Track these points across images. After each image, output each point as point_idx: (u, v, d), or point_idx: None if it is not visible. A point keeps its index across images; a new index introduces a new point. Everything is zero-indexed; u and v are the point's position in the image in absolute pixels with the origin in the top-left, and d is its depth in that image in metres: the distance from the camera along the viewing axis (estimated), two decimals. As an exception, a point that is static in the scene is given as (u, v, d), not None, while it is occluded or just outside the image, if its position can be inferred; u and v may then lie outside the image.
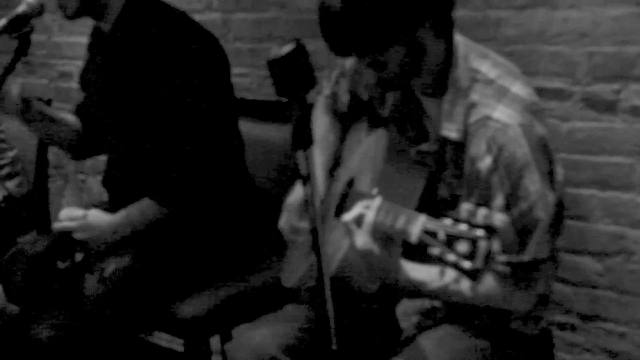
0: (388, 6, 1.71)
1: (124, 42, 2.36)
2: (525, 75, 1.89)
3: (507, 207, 1.76)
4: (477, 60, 1.85)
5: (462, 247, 1.54)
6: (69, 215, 2.30)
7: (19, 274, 2.30)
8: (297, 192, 2.12)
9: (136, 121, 2.34)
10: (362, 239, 1.77)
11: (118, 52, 2.38)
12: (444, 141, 1.87)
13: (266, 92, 3.21)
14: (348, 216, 1.81)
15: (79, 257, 2.31)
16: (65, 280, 2.29)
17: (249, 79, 3.24)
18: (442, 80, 1.85)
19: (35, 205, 3.18)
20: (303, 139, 1.56)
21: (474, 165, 1.80)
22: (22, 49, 2.29)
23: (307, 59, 1.56)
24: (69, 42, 4.06)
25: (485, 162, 1.78)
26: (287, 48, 1.55)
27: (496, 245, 1.54)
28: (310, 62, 1.57)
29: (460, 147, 1.84)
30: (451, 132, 1.84)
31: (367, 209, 1.78)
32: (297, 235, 2.12)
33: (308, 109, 1.59)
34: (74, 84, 4.08)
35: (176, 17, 2.36)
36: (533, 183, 1.76)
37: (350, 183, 2.05)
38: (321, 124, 2.23)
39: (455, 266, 1.55)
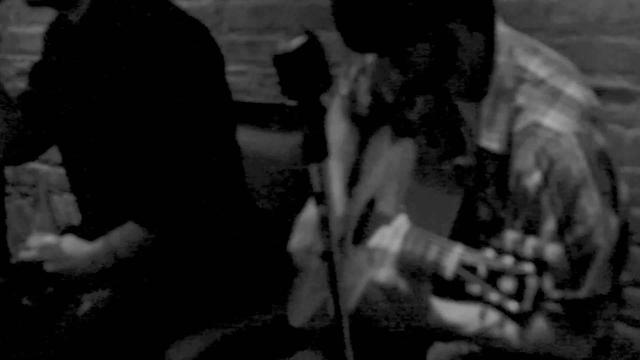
0: None
1: (96, 36, 2.38)
2: (581, 74, 1.91)
3: (560, 233, 1.77)
4: (524, 56, 1.86)
5: (507, 284, 1.55)
6: (38, 243, 2.32)
7: None
8: (310, 210, 2.14)
9: (112, 130, 2.36)
10: (385, 273, 1.78)
11: (88, 48, 2.40)
12: (483, 154, 1.88)
13: (268, 93, 3.24)
14: (370, 244, 1.82)
15: (49, 291, 2.33)
16: (32, 318, 2.30)
17: (247, 78, 3.27)
18: (480, 81, 1.86)
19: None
20: (316, 149, 1.57)
21: (520, 181, 1.81)
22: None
23: (321, 54, 1.57)
24: (28, 34, 4.09)
25: (534, 179, 1.79)
26: (297, 41, 1.56)
27: (548, 283, 1.55)
28: (324, 57, 1.58)
29: (503, 160, 1.85)
30: (492, 142, 1.85)
31: (392, 236, 1.79)
32: (311, 260, 2.13)
33: (322, 113, 1.60)
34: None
35: (158, 4, 2.39)
36: (591, 204, 1.77)
37: (371, 203, 2.07)
38: (337, 130, 2.25)
39: (499, 307, 1.56)
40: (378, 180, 2.09)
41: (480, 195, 1.92)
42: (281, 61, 1.57)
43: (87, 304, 2.29)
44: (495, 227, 1.89)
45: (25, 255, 2.32)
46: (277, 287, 2.44)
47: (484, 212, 1.92)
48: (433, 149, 2.00)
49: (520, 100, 1.83)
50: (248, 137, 2.62)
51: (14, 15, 4.14)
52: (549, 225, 1.78)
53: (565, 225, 1.77)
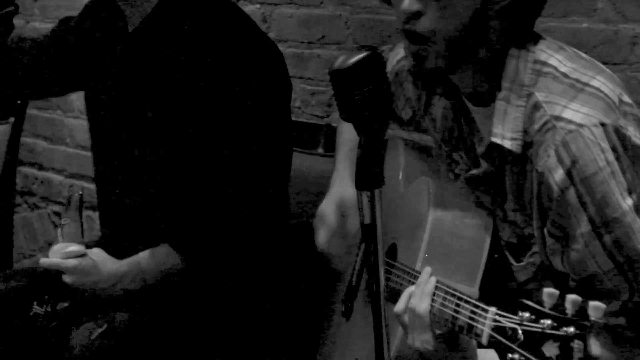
0: None
1: (153, 43, 2.41)
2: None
3: (598, 235, 1.77)
4: (546, 51, 1.87)
5: (550, 349, 1.53)
6: (63, 251, 2.33)
7: None
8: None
9: (156, 143, 2.39)
10: (421, 338, 1.79)
11: (142, 56, 2.43)
12: (495, 154, 1.88)
13: (312, 112, 3.26)
14: (398, 307, 1.83)
15: (63, 305, 2.34)
16: (41, 329, 2.31)
17: (292, 95, 3.29)
18: (494, 77, 1.87)
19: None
20: (369, 176, 1.60)
21: (543, 182, 1.81)
22: (2, 34, 2.36)
23: (383, 72, 1.61)
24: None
25: (557, 177, 1.78)
26: (358, 56, 1.59)
27: (595, 347, 1.54)
28: (386, 77, 1.61)
29: (520, 161, 1.85)
30: (505, 140, 1.85)
31: (420, 297, 1.80)
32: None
33: (379, 138, 1.63)
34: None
35: (227, 13, 2.41)
36: (624, 198, 1.76)
37: (393, 248, 2.09)
38: (348, 139, 2.27)
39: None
40: (394, 215, 2.09)
41: (499, 215, 1.94)
42: (337, 77, 1.60)
43: (102, 327, 2.30)
44: (522, 247, 1.91)
45: (46, 262, 2.33)
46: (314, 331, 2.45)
47: (507, 232, 1.94)
48: (452, 168, 2.03)
49: (539, 95, 1.83)
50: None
51: (39, 8, 4.19)
52: (583, 227, 1.78)
53: (601, 225, 1.77)
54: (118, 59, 2.46)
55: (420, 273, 1.87)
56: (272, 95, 2.38)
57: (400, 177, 2.20)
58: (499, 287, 1.81)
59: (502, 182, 1.91)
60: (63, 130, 4.23)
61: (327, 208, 2.18)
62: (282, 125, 2.43)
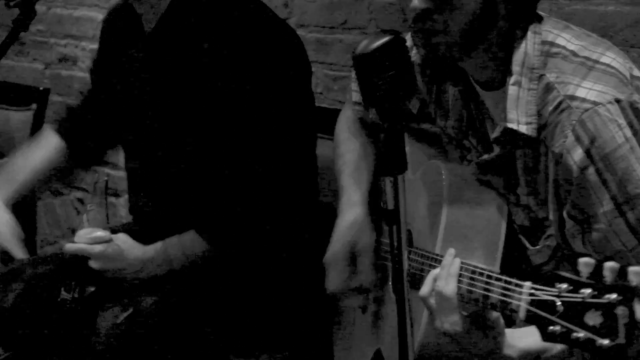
0: None
1: (174, 30, 2.42)
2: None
3: (621, 212, 1.77)
4: (552, 31, 1.87)
5: (593, 319, 1.52)
6: (89, 236, 2.36)
7: (11, 296, 2.35)
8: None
9: (185, 130, 2.41)
10: (449, 320, 1.78)
11: (164, 43, 2.45)
12: (508, 138, 1.88)
13: (334, 97, 3.26)
14: (424, 289, 1.83)
15: (89, 290, 2.36)
16: (68, 314, 2.34)
17: (314, 80, 3.29)
18: (503, 61, 1.87)
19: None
20: (392, 162, 1.60)
21: (561, 163, 1.81)
22: (24, 21, 2.36)
23: (407, 57, 1.61)
24: (74, 17, 4.18)
25: (576, 156, 1.78)
26: (382, 40, 1.59)
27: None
28: (409, 62, 1.61)
29: (534, 145, 1.85)
30: (521, 125, 1.84)
31: (446, 278, 1.79)
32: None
33: (401, 123, 1.63)
34: (78, 72, 4.23)
35: (247, 5, 2.42)
36: None
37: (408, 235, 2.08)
38: (350, 146, 2.28)
39: (590, 347, 1.55)
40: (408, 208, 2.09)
41: (511, 199, 1.93)
42: (360, 62, 1.61)
43: (128, 310, 2.32)
44: (536, 230, 1.91)
45: (72, 247, 2.36)
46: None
47: (520, 217, 1.93)
48: (464, 156, 2.03)
49: (550, 77, 1.83)
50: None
51: (61, -6, 4.21)
52: (605, 206, 1.78)
53: (623, 202, 1.77)
54: (140, 56, 2.49)
55: (440, 256, 1.88)
56: (294, 80, 2.40)
57: None
58: (514, 271, 1.80)
59: (514, 166, 1.91)
60: (85, 116, 4.25)
61: (339, 252, 2.15)
62: (306, 109, 2.45)
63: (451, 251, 1.84)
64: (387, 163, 1.60)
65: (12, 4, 2.35)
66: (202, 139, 2.39)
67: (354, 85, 2.29)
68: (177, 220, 2.43)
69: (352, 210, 2.17)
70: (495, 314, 1.78)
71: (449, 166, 2.03)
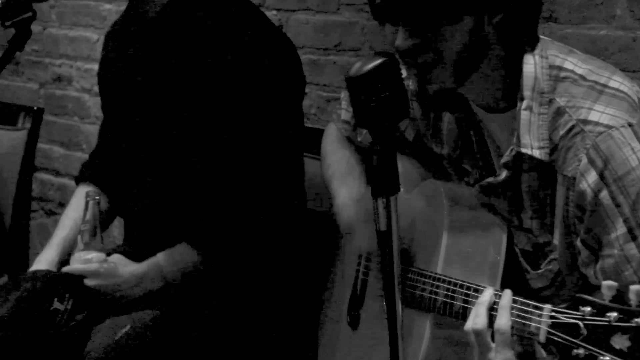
0: None
1: (172, 34, 2.44)
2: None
3: (633, 236, 1.77)
4: (559, 56, 1.88)
5: (620, 342, 1.51)
6: (83, 258, 2.38)
7: (5, 307, 2.36)
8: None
9: (175, 140, 2.43)
10: (503, 357, 1.72)
11: (162, 47, 2.46)
12: (521, 165, 1.88)
13: (327, 118, 3.27)
14: (479, 324, 1.76)
15: (79, 318, 2.37)
16: (61, 326, 2.34)
17: (307, 101, 3.31)
18: (507, 85, 1.88)
19: (11, 247, 3.28)
20: (385, 182, 1.61)
21: (574, 187, 1.81)
22: (19, 41, 2.37)
23: (399, 79, 1.62)
24: (69, 37, 4.20)
25: (590, 179, 1.78)
26: (375, 62, 1.60)
27: None
28: (402, 83, 1.62)
29: (545, 170, 1.85)
30: (534, 150, 1.85)
31: (499, 312, 1.75)
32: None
33: (394, 144, 1.64)
34: (72, 91, 4.24)
35: (245, 9, 2.45)
36: None
37: (407, 258, 2.08)
38: (339, 158, 2.28)
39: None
40: (405, 231, 2.08)
41: (514, 223, 1.94)
42: (354, 84, 1.61)
43: (126, 327, 2.33)
44: (538, 256, 1.91)
45: (68, 268, 2.40)
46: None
47: (522, 241, 1.94)
48: (464, 182, 2.03)
49: (560, 101, 1.84)
50: (306, 166, 2.63)
51: (56, 14, 4.22)
52: (619, 229, 1.77)
53: (636, 226, 1.77)
54: (137, 41, 2.52)
55: (443, 275, 1.89)
56: (286, 89, 2.41)
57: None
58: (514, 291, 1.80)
59: (519, 190, 1.91)
60: (79, 137, 4.26)
61: (354, 214, 2.14)
62: (296, 121, 2.47)
63: (490, 290, 1.80)
64: (379, 184, 1.61)
65: (7, 23, 2.36)
66: (188, 148, 2.40)
67: (344, 104, 2.30)
68: (169, 234, 2.44)
69: (350, 204, 2.16)
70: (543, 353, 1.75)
71: (448, 186, 2.03)
